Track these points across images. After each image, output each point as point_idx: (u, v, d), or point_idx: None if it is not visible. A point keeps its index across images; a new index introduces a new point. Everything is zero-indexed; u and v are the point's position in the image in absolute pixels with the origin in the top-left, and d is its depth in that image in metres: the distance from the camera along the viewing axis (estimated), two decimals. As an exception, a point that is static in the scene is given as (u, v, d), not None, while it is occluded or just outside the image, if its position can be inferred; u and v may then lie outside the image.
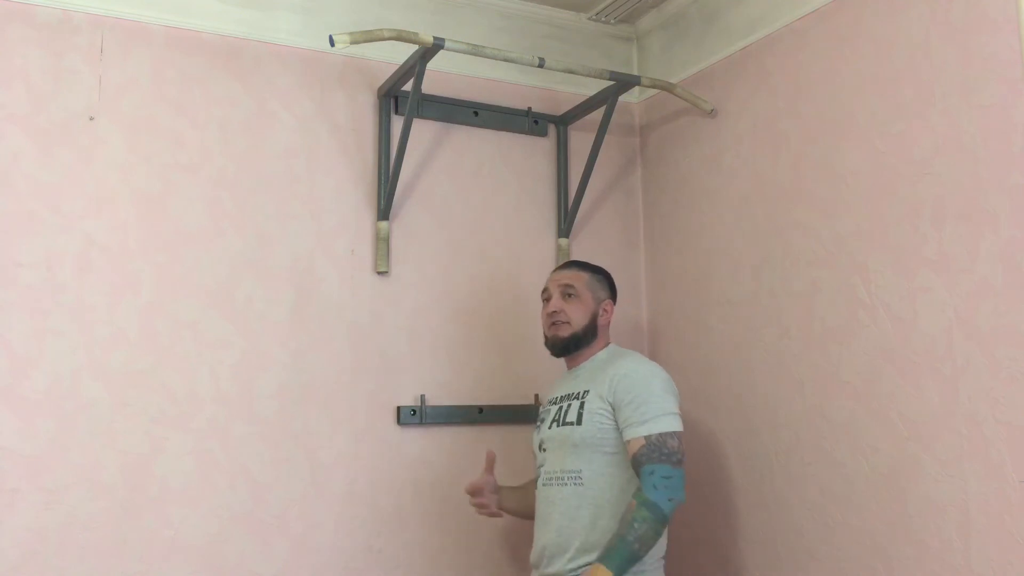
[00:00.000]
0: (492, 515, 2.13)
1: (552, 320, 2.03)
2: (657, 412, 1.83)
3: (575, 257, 2.54)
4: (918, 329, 1.77)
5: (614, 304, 2.08)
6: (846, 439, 1.91)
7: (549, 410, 2.03)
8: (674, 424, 1.84)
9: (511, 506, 2.13)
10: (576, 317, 2.00)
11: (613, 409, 1.87)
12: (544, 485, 1.96)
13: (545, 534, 1.92)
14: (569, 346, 2.02)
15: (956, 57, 1.73)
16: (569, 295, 2.02)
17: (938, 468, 1.71)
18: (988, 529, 1.62)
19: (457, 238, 2.41)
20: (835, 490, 1.93)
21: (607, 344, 2.05)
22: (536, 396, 2.42)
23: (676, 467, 1.80)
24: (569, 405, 1.95)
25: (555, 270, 2.13)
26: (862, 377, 1.89)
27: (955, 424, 1.69)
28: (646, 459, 1.79)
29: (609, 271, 2.13)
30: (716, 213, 2.36)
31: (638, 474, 1.81)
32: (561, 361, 2.10)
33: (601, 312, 2.03)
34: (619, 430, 1.86)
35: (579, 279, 2.04)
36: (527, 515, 2.08)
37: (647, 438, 1.81)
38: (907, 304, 1.80)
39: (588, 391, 1.92)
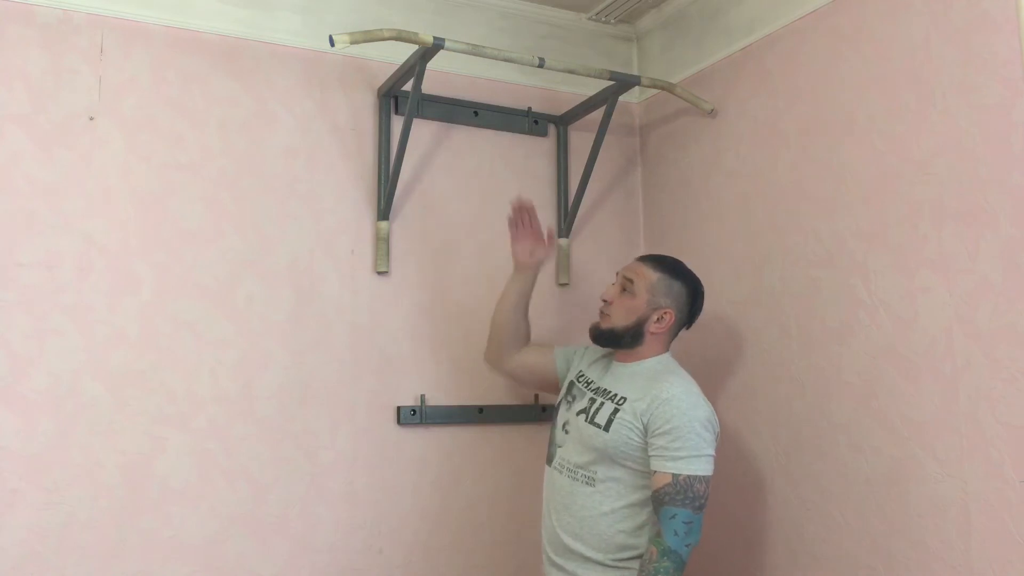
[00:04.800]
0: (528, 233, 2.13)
1: (600, 308, 1.97)
2: (691, 451, 1.74)
3: (576, 256, 2.55)
4: (918, 329, 1.77)
5: (678, 315, 1.92)
6: (846, 439, 1.91)
7: (584, 392, 1.94)
8: (705, 467, 1.75)
9: (515, 308, 2.13)
10: (619, 314, 1.91)
11: (645, 430, 1.79)
12: (555, 469, 1.93)
13: (547, 520, 1.93)
14: (601, 339, 1.95)
15: (956, 57, 1.73)
16: (624, 289, 1.92)
17: (938, 468, 1.71)
18: (988, 529, 1.62)
19: (457, 238, 2.41)
20: (835, 490, 1.93)
21: (662, 352, 1.94)
22: (536, 396, 2.42)
23: (697, 512, 1.72)
24: (603, 404, 1.87)
25: (637, 258, 2.01)
26: (862, 377, 1.89)
27: (955, 424, 1.69)
28: (669, 500, 1.73)
29: (618, 271, 2.01)
30: (716, 213, 2.36)
31: (657, 511, 1.75)
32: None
33: (655, 319, 1.89)
34: (645, 451, 1.80)
35: (644, 277, 1.91)
36: (506, 327, 2.13)
37: (675, 477, 1.73)
38: (907, 304, 1.80)
39: (626, 400, 1.85)
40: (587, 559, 1.83)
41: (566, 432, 1.94)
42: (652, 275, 1.92)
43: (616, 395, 1.88)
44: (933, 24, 1.78)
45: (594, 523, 1.83)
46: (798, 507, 2.03)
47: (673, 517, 1.72)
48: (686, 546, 1.72)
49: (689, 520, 1.72)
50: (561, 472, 1.91)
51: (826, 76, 2.03)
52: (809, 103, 2.08)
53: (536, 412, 2.41)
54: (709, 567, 2.26)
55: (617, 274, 1.99)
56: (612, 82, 2.33)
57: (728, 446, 2.24)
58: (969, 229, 1.68)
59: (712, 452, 1.79)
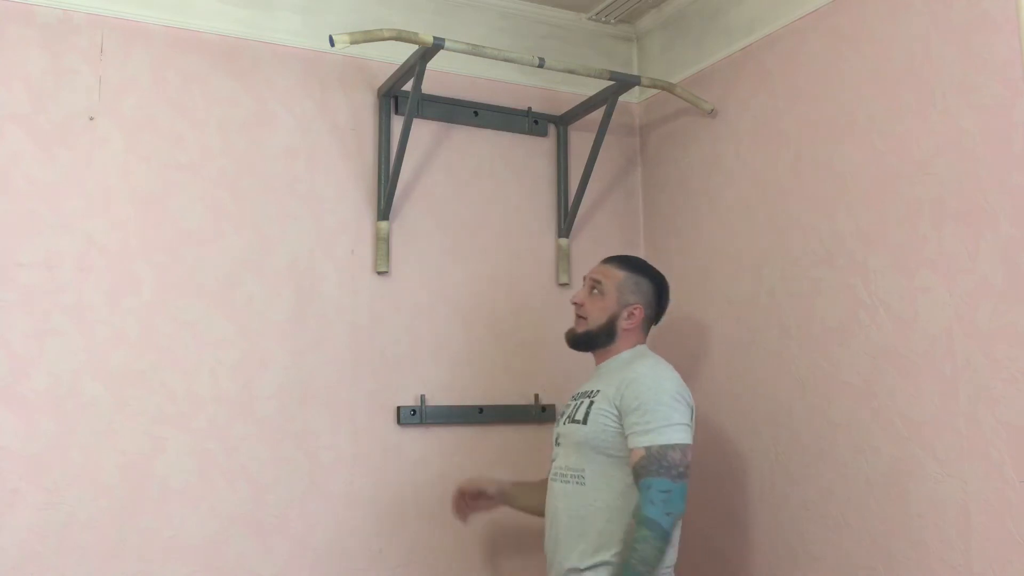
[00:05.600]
0: (459, 516, 2.18)
1: (575, 312, 2.00)
2: (662, 422, 1.76)
3: (576, 257, 2.55)
4: (918, 329, 1.77)
5: (647, 311, 1.97)
6: (846, 439, 1.92)
7: (569, 405, 2.00)
8: (679, 436, 1.77)
9: (524, 504, 2.12)
10: (594, 315, 1.95)
11: (619, 413, 1.82)
12: (552, 479, 1.95)
13: (551, 528, 1.92)
14: (580, 342, 1.99)
15: (956, 57, 1.73)
16: (594, 290, 1.98)
17: (938, 468, 1.71)
18: (988, 529, 1.62)
19: (457, 238, 2.41)
20: (835, 490, 1.93)
21: (635, 345, 1.97)
22: (536, 396, 2.42)
23: (676, 480, 1.73)
24: (581, 403, 1.92)
25: (602, 260, 2.05)
26: (862, 377, 1.89)
27: (955, 424, 1.69)
28: (644, 472, 1.75)
29: (584, 276, 2.04)
30: (716, 213, 2.36)
31: (637, 486, 1.77)
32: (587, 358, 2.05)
33: (625, 315, 1.94)
34: (624, 435, 1.81)
35: (611, 277, 1.97)
36: (540, 512, 2.04)
37: (648, 449, 1.75)
38: (907, 304, 1.80)
39: (599, 391, 1.89)
40: (592, 555, 1.81)
41: (559, 444, 1.97)
42: (619, 274, 1.98)
43: (592, 391, 1.91)
44: (933, 24, 1.78)
45: (592, 520, 1.82)
46: (798, 507, 2.03)
47: (649, 488, 1.73)
48: (667, 515, 1.72)
49: (667, 488, 1.73)
50: (558, 480, 1.92)
51: (826, 76, 2.03)
52: (809, 103, 2.08)
53: (536, 412, 2.41)
54: (710, 567, 2.27)
55: (585, 278, 2.02)
56: (612, 82, 2.33)
57: (729, 446, 2.25)
58: (969, 229, 1.68)
59: (686, 421, 1.81)
